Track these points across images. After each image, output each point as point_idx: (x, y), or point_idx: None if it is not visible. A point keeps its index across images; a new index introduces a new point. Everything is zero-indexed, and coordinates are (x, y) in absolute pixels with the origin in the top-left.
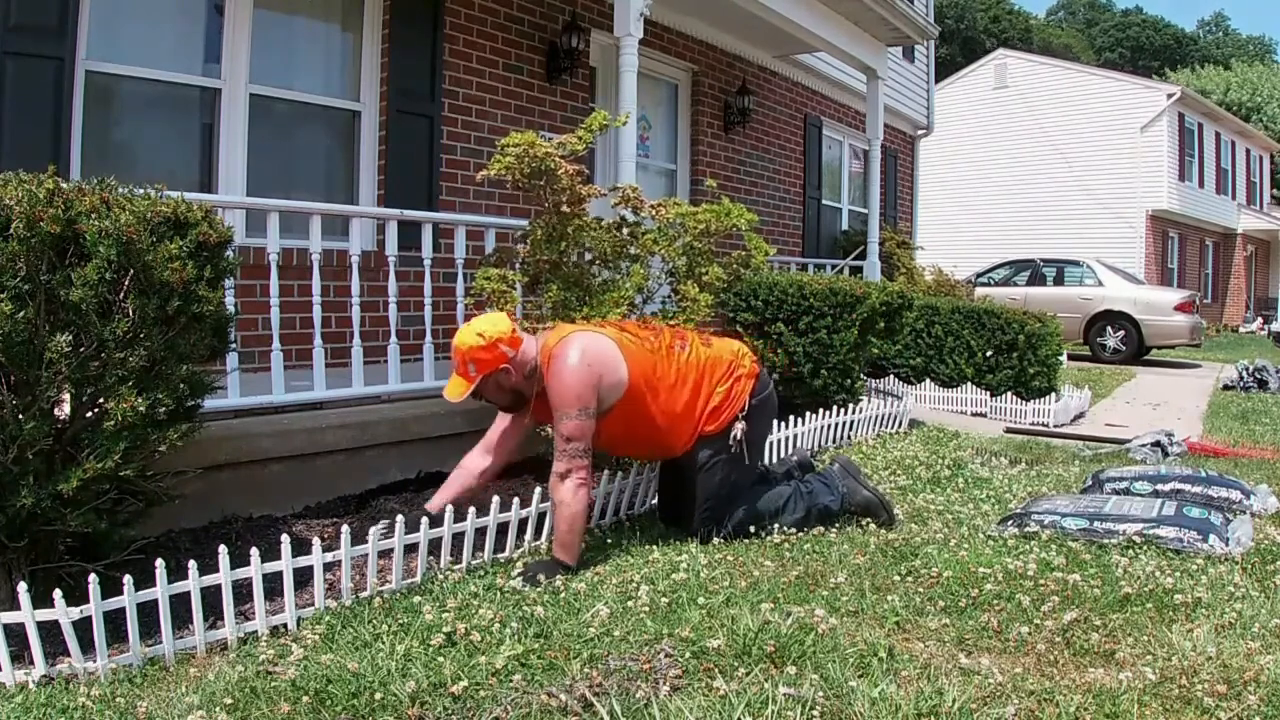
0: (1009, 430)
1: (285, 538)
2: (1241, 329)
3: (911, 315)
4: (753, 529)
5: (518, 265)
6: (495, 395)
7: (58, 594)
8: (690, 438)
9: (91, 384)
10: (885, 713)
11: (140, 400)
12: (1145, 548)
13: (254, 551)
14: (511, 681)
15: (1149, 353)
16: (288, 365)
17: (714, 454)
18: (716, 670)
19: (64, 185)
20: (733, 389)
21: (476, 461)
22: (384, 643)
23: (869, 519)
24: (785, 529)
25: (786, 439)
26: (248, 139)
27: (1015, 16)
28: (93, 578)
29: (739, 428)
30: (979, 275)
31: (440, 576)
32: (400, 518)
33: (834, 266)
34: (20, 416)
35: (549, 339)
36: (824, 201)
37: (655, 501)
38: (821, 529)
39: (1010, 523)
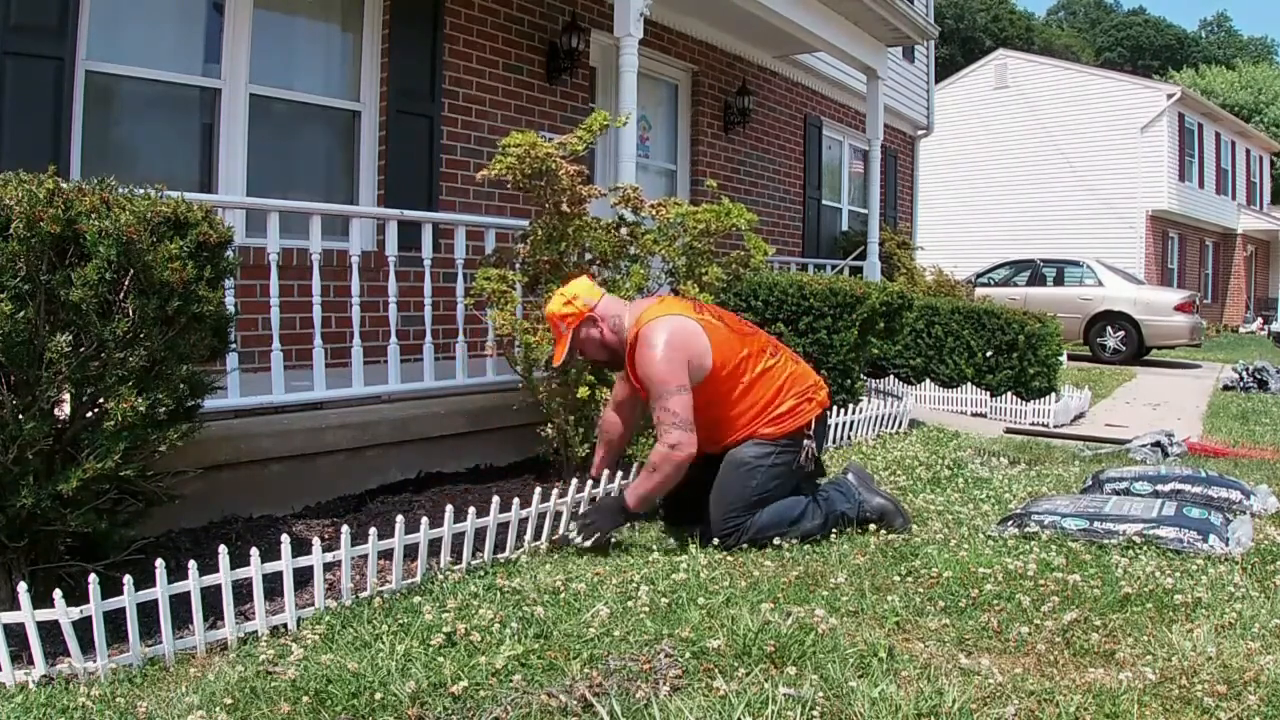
0: (1009, 430)
1: (285, 538)
2: (1241, 329)
3: (911, 315)
4: (773, 537)
5: (518, 265)
6: (595, 352)
7: (58, 594)
8: (744, 435)
9: (91, 384)
10: (885, 713)
11: (140, 400)
12: (1145, 548)
13: (254, 552)
14: (511, 681)
15: (1149, 353)
16: (288, 365)
17: (761, 456)
18: (716, 670)
19: (64, 185)
20: (801, 405)
21: (612, 423)
22: (384, 643)
23: (883, 525)
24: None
25: None
26: (248, 139)
27: (1016, 16)
28: (93, 578)
29: (809, 445)
30: (979, 275)
31: (440, 576)
32: (400, 518)
33: (834, 266)
34: (20, 416)
35: (644, 314)
36: (824, 202)
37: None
38: None
39: (1010, 523)
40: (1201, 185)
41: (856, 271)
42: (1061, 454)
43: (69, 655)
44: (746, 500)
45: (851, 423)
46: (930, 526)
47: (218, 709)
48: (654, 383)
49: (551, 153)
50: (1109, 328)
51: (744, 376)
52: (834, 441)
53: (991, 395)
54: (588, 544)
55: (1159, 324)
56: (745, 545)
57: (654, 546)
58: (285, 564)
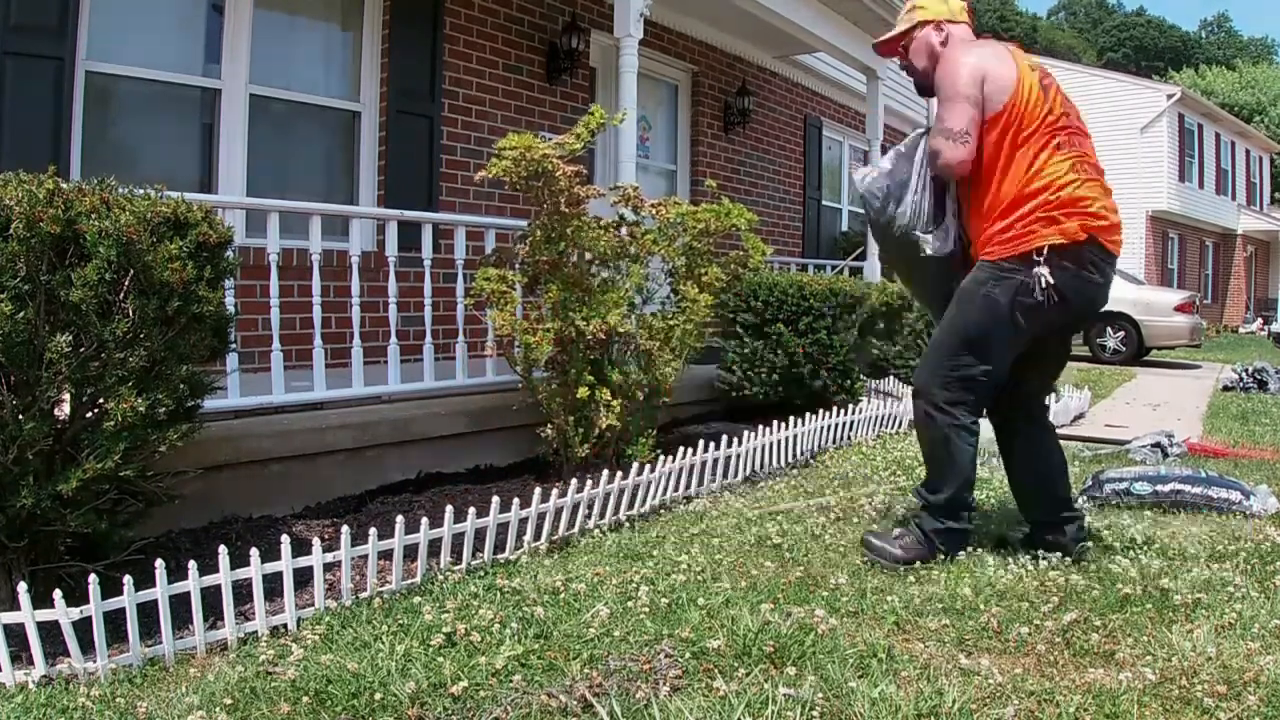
0: None
1: (285, 538)
2: (1241, 329)
3: (911, 316)
4: (944, 464)
5: (517, 266)
6: (918, 58)
7: (58, 594)
8: (983, 249)
9: (91, 384)
10: (885, 713)
11: (140, 400)
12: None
13: (254, 552)
14: (511, 682)
15: (1149, 353)
16: (288, 365)
17: (984, 283)
18: (716, 670)
19: (64, 185)
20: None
21: None
22: (384, 643)
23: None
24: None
25: (786, 439)
26: (248, 139)
27: (1020, 17)
28: (93, 578)
29: (1043, 272)
30: None
31: (440, 577)
32: (400, 518)
33: (834, 267)
34: (20, 416)
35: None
36: (824, 202)
37: (655, 502)
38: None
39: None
40: (1201, 185)
41: (856, 272)
42: None
43: (69, 655)
44: (961, 341)
45: (851, 423)
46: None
47: (218, 709)
48: (939, 87)
49: (549, 154)
50: (1109, 328)
51: (1026, 138)
52: (834, 442)
53: None
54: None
55: (1159, 324)
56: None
57: (654, 546)
58: (285, 564)
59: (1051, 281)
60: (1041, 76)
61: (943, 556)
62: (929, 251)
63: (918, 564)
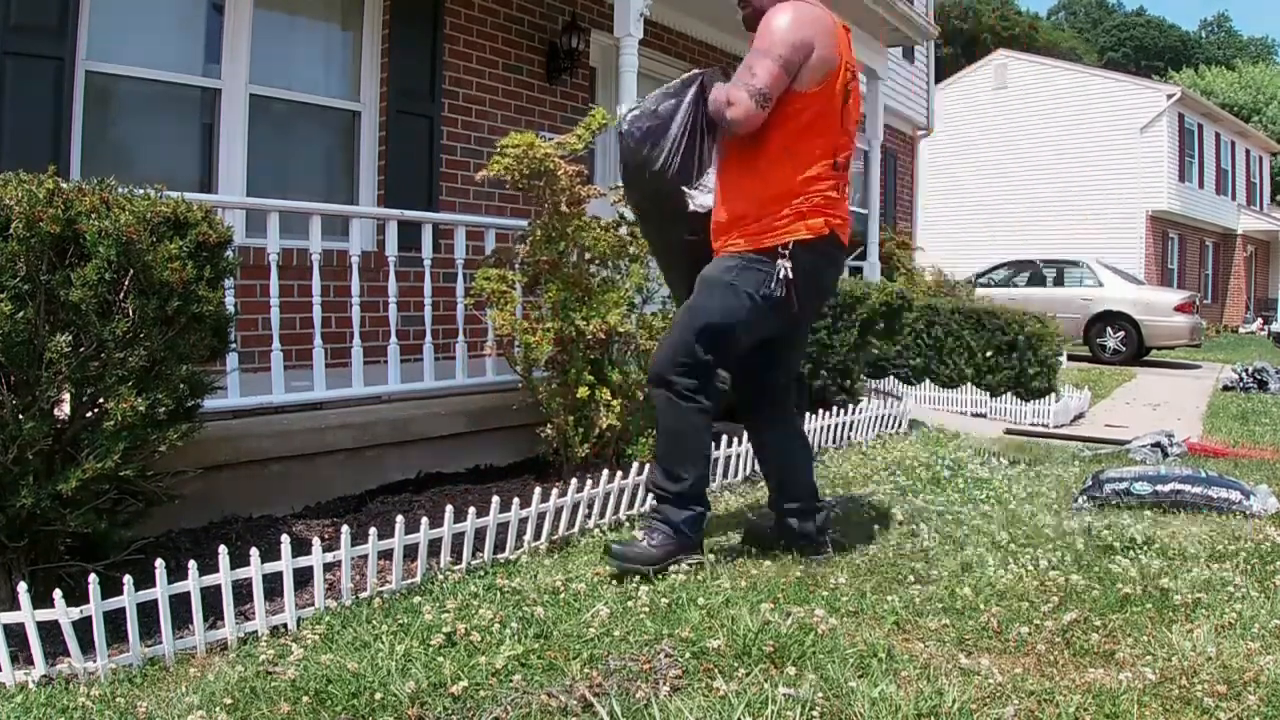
0: (1009, 431)
1: (285, 538)
2: (1241, 329)
3: (911, 316)
4: (680, 447)
5: (517, 265)
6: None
7: (58, 594)
8: (733, 235)
9: (91, 384)
10: (885, 713)
11: (140, 400)
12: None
13: (254, 552)
14: (511, 681)
15: (1149, 353)
16: (288, 365)
17: (734, 275)
18: (716, 670)
19: (64, 185)
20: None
21: None
22: (384, 643)
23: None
24: None
25: None
26: (247, 139)
27: (1021, 17)
28: (93, 578)
29: (787, 265)
30: (979, 276)
31: (440, 577)
32: (400, 518)
33: None
34: (20, 416)
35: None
36: None
37: (654, 502)
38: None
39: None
40: (1201, 185)
41: (856, 271)
42: (1061, 454)
43: (69, 655)
44: (706, 326)
45: (851, 423)
46: (930, 526)
47: (218, 709)
48: (761, 36)
49: (550, 153)
50: (1109, 328)
51: (811, 131)
52: (834, 442)
53: (991, 395)
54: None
55: (1159, 324)
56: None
57: None
58: (285, 564)
59: (791, 277)
60: (850, 80)
61: (692, 548)
62: (693, 207)
63: (919, 564)
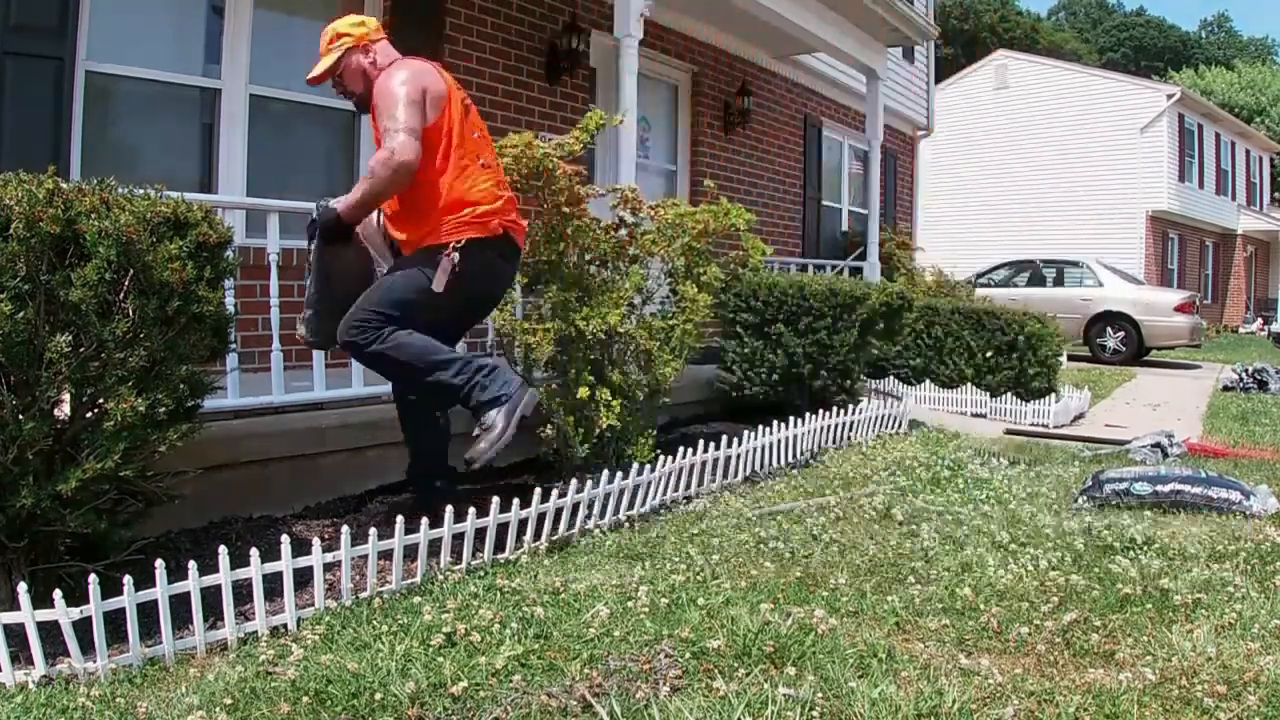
0: (1009, 432)
1: (285, 538)
2: (1241, 330)
3: (911, 316)
4: (398, 360)
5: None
6: (353, 82)
7: (58, 594)
8: (421, 237)
9: (91, 384)
10: (885, 713)
11: (140, 400)
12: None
13: (254, 552)
14: (511, 682)
15: (1149, 353)
16: (288, 365)
17: (417, 262)
18: (716, 670)
19: (64, 185)
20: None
21: None
22: (384, 643)
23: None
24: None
25: (786, 439)
26: (247, 139)
27: (1022, 17)
28: (93, 578)
29: (453, 256)
30: (979, 276)
31: (440, 577)
32: (400, 518)
33: (834, 267)
34: (20, 416)
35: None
36: (824, 202)
37: (655, 502)
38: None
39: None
40: (1201, 186)
41: (856, 272)
42: (1061, 454)
43: (69, 655)
44: (385, 301)
45: (851, 423)
46: (930, 526)
47: (218, 709)
48: (383, 99)
49: (549, 153)
50: (1109, 328)
51: (451, 149)
52: (834, 441)
53: (991, 396)
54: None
55: (1159, 324)
56: (377, 363)
57: (653, 546)
58: (285, 564)
59: (461, 270)
60: (463, 98)
61: (512, 395)
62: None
63: (920, 564)
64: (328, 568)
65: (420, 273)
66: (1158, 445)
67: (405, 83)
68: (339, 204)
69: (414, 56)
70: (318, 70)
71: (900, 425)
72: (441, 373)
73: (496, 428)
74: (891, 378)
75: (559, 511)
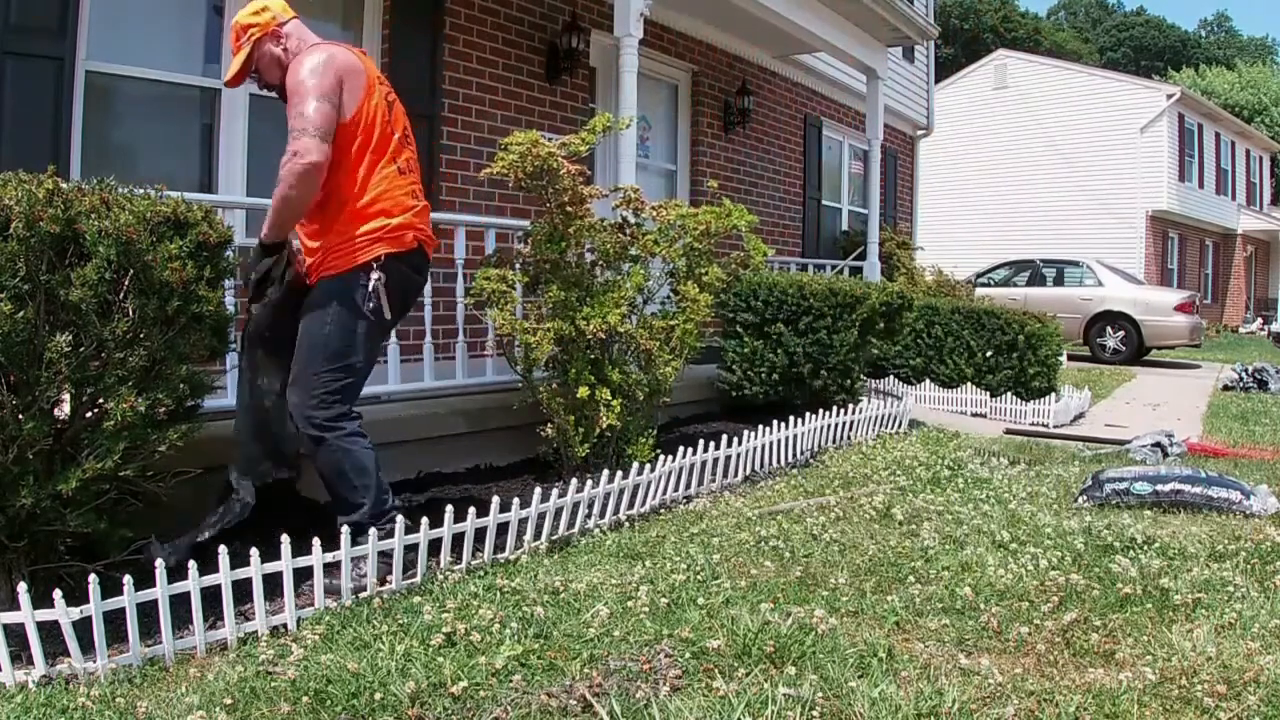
0: (1009, 431)
1: (285, 537)
2: (1241, 329)
3: (911, 316)
4: (351, 476)
5: (518, 265)
6: (270, 73)
7: (58, 594)
8: (327, 261)
9: (91, 384)
10: (885, 713)
11: (140, 400)
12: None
13: (254, 551)
14: (511, 681)
15: (1149, 353)
16: None
17: (337, 296)
18: (716, 670)
19: (64, 185)
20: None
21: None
22: (384, 643)
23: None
24: None
25: (786, 439)
26: (248, 139)
27: (1023, 17)
28: (93, 578)
29: (376, 277)
30: (979, 276)
31: (440, 577)
32: (400, 518)
33: (834, 267)
34: (20, 416)
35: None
36: (824, 202)
37: (655, 502)
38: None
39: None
40: (1201, 185)
41: (856, 271)
42: (1061, 454)
43: (69, 655)
44: (328, 360)
45: (851, 423)
46: (930, 526)
47: (217, 709)
48: (293, 91)
49: (554, 152)
50: (1109, 328)
51: (361, 148)
52: (834, 441)
53: (991, 395)
54: (246, 285)
55: (1159, 324)
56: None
57: (653, 547)
58: (285, 564)
59: (384, 288)
60: (387, 92)
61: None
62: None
63: (920, 564)
64: (327, 567)
65: (343, 310)
66: (1158, 445)
67: (315, 71)
68: (266, 233)
69: (333, 43)
70: (231, 71)
71: (900, 425)
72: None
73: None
74: (891, 377)
75: (559, 511)
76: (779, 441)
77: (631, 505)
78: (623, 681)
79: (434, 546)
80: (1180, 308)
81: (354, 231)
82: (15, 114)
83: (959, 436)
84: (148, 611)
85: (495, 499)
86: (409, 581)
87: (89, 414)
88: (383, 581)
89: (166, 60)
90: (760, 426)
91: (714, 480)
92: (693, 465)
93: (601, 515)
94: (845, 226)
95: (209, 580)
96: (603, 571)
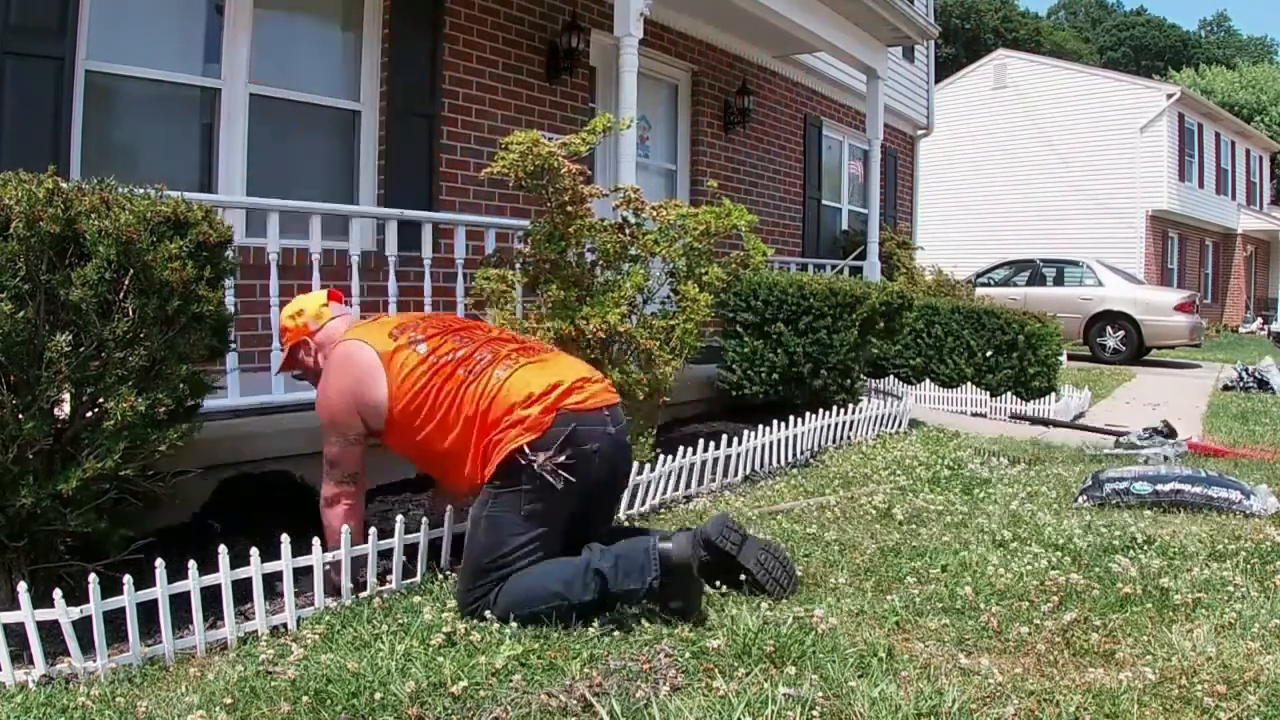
0: (1013, 416)
1: (285, 537)
2: (1241, 329)
3: (911, 315)
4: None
5: (518, 265)
6: (308, 373)
7: (58, 594)
8: (475, 479)
9: (91, 384)
10: (885, 713)
11: (140, 400)
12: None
13: (254, 551)
14: (511, 681)
15: (1149, 353)
16: None
17: (483, 507)
18: (716, 670)
19: (64, 185)
20: (501, 439)
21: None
22: (384, 642)
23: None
24: (568, 619)
25: (786, 439)
26: (247, 139)
27: (1024, 18)
28: (93, 577)
29: (537, 459)
30: (979, 275)
31: (440, 576)
32: (400, 518)
33: (834, 267)
34: (20, 416)
35: (344, 335)
36: (824, 202)
37: (655, 501)
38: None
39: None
40: (1201, 185)
41: (856, 271)
42: (1061, 454)
43: (69, 655)
44: (477, 566)
45: (851, 422)
46: (930, 527)
47: (218, 709)
48: (321, 422)
49: (554, 151)
50: (1109, 328)
51: (435, 407)
52: (834, 441)
53: (991, 395)
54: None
55: (1159, 324)
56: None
57: None
58: (285, 564)
59: (536, 489)
60: (401, 326)
61: None
62: None
63: (920, 564)
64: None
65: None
66: (1158, 431)
67: (328, 398)
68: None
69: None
70: (280, 366)
71: (900, 424)
72: None
73: None
74: (891, 377)
75: None
76: (779, 441)
77: (631, 505)
78: (623, 681)
79: (434, 546)
80: (1180, 307)
81: (474, 457)
82: (15, 114)
83: (959, 436)
84: (148, 611)
85: None
86: (409, 581)
87: (89, 414)
88: (382, 581)
89: (166, 60)
90: (760, 426)
91: (714, 480)
92: (692, 465)
93: None
94: (845, 226)
95: (209, 580)
96: None
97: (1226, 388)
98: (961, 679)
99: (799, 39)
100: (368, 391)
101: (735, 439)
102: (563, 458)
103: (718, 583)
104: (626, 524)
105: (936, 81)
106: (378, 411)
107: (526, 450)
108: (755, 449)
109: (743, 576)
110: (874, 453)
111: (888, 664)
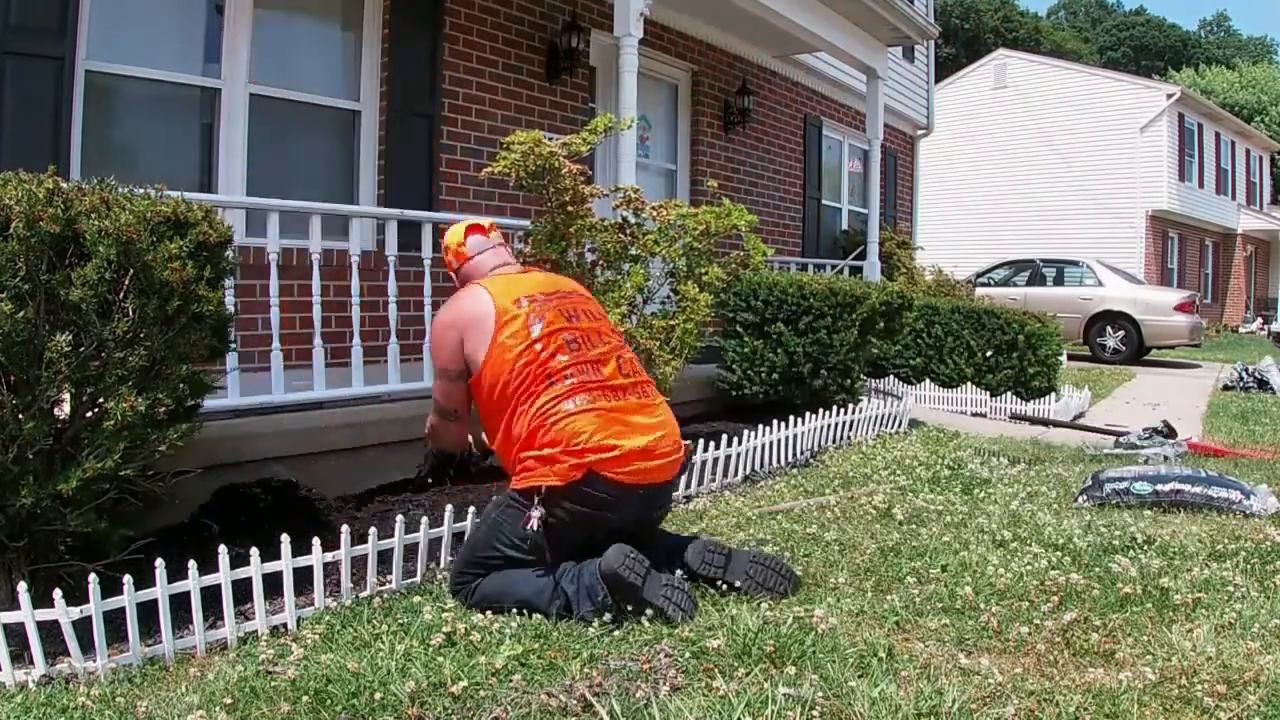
0: (1013, 417)
1: (285, 537)
2: (1241, 329)
3: (911, 315)
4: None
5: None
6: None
7: (58, 594)
8: (508, 469)
9: (91, 384)
10: (885, 713)
11: (140, 400)
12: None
13: (254, 551)
14: (511, 681)
15: (1149, 353)
16: (287, 365)
17: (496, 506)
18: (716, 670)
19: (64, 185)
20: (532, 467)
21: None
22: (384, 642)
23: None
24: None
25: (786, 439)
26: (247, 139)
27: (1025, 18)
28: (93, 577)
29: (536, 515)
30: (979, 275)
31: (440, 576)
32: (400, 518)
33: (834, 266)
34: (20, 416)
35: (484, 277)
36: (824, 201)
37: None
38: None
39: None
40: (1201, 185)
41: (856, 271)
42: (1061, 454)
43: (69, 655)
44: (472, 556)
45: (851, 422)
46: (930, 527)
47: (217, 709)
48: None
49: (555, 151)
50: (1109, 328)
51: (511, 385)
52: (834, 441)
53: (991, 395)
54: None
55: (1159, 324)
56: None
57: None
58: (285, 564)
59: (543, 523)
60: (531, 300)
61: None
62: None
63: (920, 564)
64: (328, 567)
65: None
66: (1158, 431)
67: (437, 337)
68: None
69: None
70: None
71: (900, 424)
72: None
73: None
74: (891, 377)
75: None
76: (779, 441)
77: None
78: (623, 681)
79: (434, 546)
80: (1180, 307)
81: (518, 456)
82: (15, 114)
83: (959, 436)
84: (148, 611)
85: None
86: (409, 581)
87: (89, 414)
88: (382, 581)
89: (167, 60)
90: (760, 426)
91: (713, 479)
92: (692, 465)
93: None
94: (845, 226)
95: (209, 580)
96: None
97: (1226, 388)
98: (961, 679)
99: (799, 39)
100: (469, 344)
101: (735, 439)
102: (575, 511)
103: (718, 583)
104: None
105: (936, 81)
106: (474, 362)
107: (544, 490)
108: (755, 449)
109: (738, 583)
110: (874, 453)
111: (888, 664)
